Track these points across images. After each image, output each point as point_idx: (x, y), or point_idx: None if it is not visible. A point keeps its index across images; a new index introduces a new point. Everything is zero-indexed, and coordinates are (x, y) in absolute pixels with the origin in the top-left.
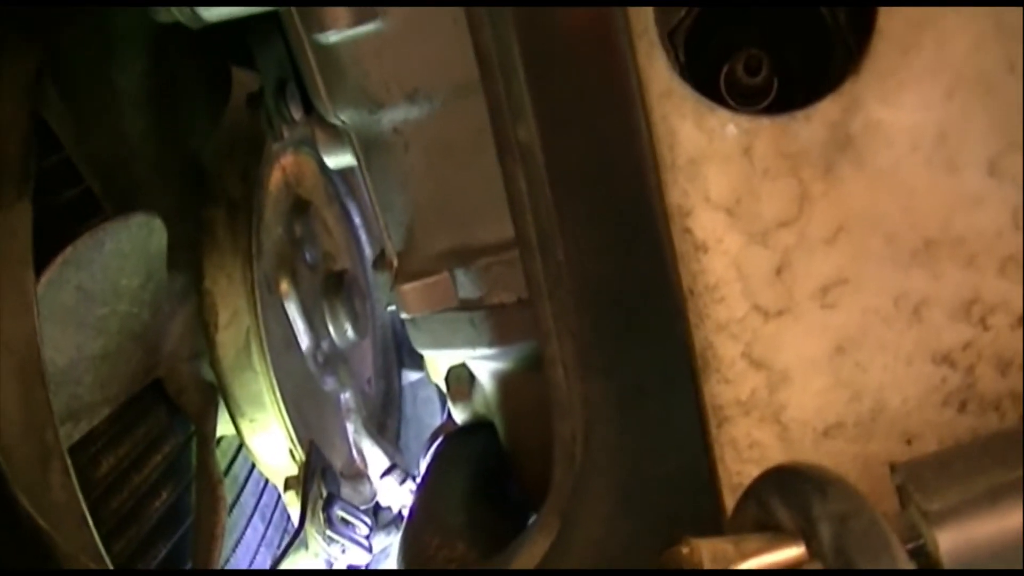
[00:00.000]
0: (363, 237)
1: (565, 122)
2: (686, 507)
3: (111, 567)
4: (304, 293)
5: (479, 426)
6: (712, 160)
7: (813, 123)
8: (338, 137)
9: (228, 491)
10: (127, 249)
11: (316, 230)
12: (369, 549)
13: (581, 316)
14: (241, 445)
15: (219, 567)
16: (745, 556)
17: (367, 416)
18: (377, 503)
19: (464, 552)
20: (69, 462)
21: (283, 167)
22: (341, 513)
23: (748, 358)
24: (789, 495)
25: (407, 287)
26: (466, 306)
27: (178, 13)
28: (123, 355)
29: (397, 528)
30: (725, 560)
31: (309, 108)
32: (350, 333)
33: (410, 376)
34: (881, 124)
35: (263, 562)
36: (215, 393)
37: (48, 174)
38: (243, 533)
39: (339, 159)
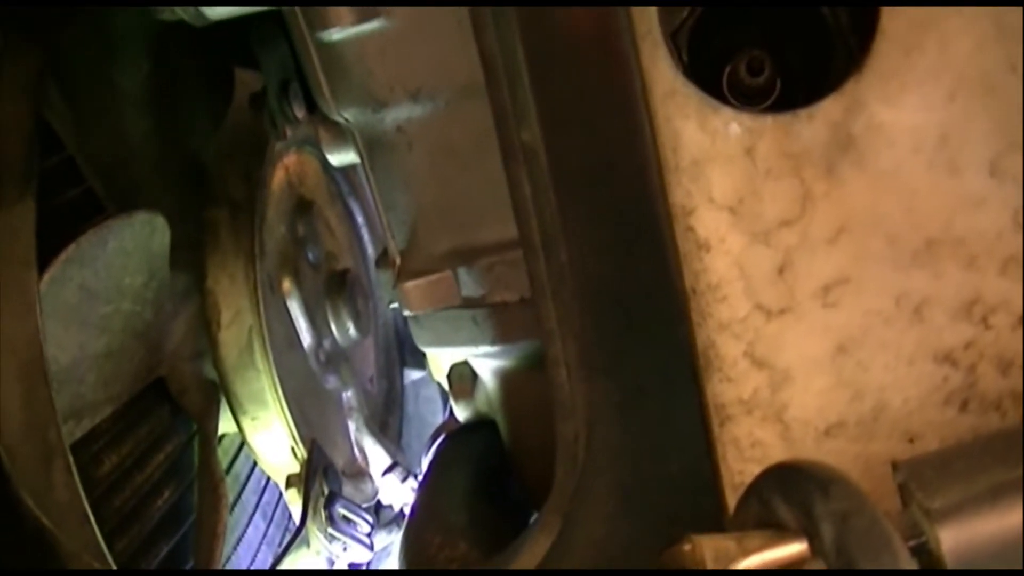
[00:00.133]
0: (365, 236)
1: (569, 123)
2: (688, 506)
3: (114, 566)
4: (306, 292)
5: (481, 425)
6: (715, 160)
7: (815, 123)
8: (341, 135)
9: (230, 489)
10: (130, 247)
11: (319, 229)
12: (371, 547)
13: (584, 316)
14: (243, 443)
15: (221, 566)
16: (747, 553)
17: (369, 414)
18: (379, 501)
19: (466, 551)
20: (72, 460)
21: (286, 166)
22: (343, 511)
23: (750, 357)
24: (791, 493)
25: (410, 285)
26: (469, 304)
27: (182, 12)
28: (126, 354)
29: (399, 526)
30: (727, 557)
31: (312, 107)
32: (352, 332)
33: (412, 375)
34: (883, 125)
35: (265, 560)
36: (217, 392)
37: (50, 174)
38: (245, 531)
39: (342, 157)
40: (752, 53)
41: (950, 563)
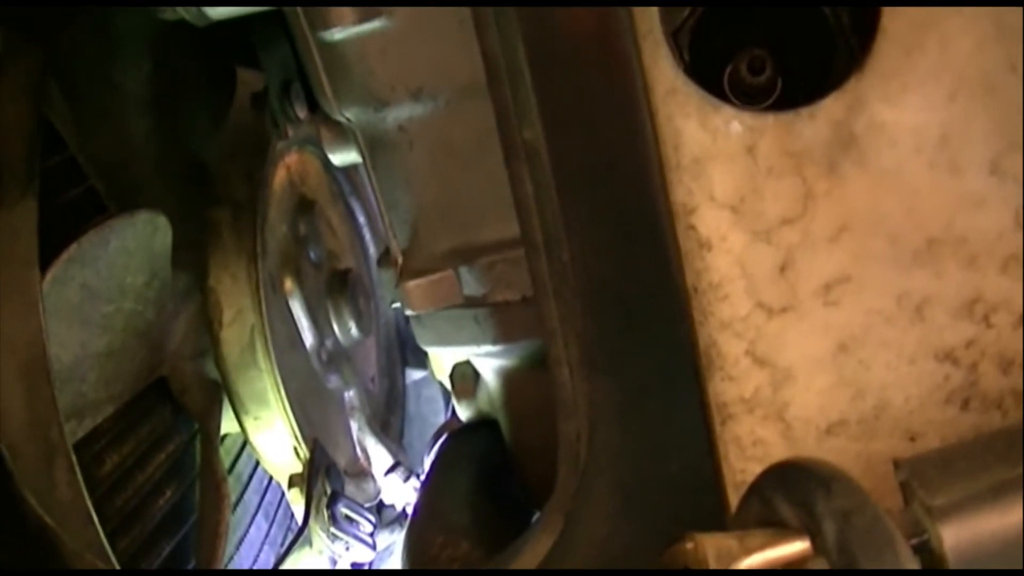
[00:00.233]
0: (367, 235)
1: (570, 122)
2: (690, 505)
3: (116, 565)
4: (308, 291)
5: (483, 424)
6: (716, 159)
7: (817, 121)
8: (343, 135)
9: (232, 489)
10: (132, 247)
11: (320, 229)
12: (373, 547)
13: (586, 315)
14: (245, 443)
15: (223, 565)
16: (749, 552)
17: (371, 414)
18: (381, 501)
19: (468, 550)
20: (74, 459)
21: (287, 166)
22: (345, 511)
23: (752, 356)
24: (793, 491)
25: (412, 284)
26: (470, 303)
27: (183, 11)
28: (128, 353)
29: (401, 526)
30: (729, 556)
31: (313, 107)
32: (354, 331)
33: (414, 374)
34: (885, 124)
35: (266, 560)
36: (219, 391)
37: (52, 173)
38: (247, 531)
39: (344, 157)
40: (753, 52)
41: (952, 561)
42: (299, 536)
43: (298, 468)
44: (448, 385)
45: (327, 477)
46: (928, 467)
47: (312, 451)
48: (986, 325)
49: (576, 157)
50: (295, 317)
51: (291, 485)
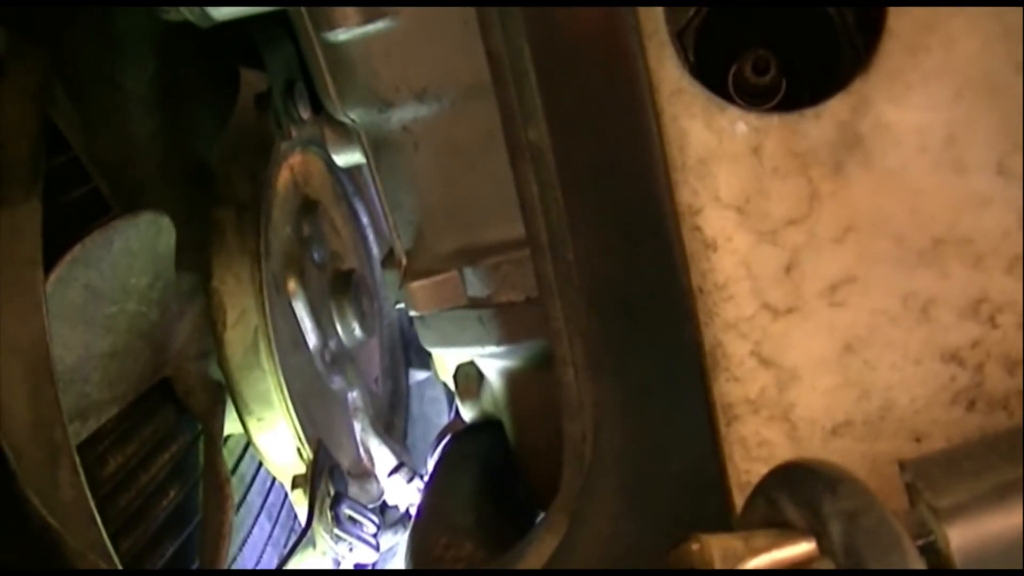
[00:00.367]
0: (370, 236)
1: (575, 122)
2: (695, 506)
3: (119, 566)
4: (312, 292)
5: (487, 425)
6: (722, 159)
7: (823, 122)
8: (347, 136)
9: (235, 490)
10: (135, 247)
11: (324, 229)
12: (376, 548)
13: (591, 316)
14: (248, 444)
15: (226, 566)
16: (755, 552)
17: (374, 415)
18: (384, 502)
19: (472, 551)
20: (78, 460)
21: (291, 167)
22: (348, 512)
23: (757, 356)
24: (799, 492)
25: (416, 285)
26: (475, 304)
27: (187, 12)
28: (131, 354)
29: (404, 527)
30: (735, 557)
31: (317, 107)
32: (357, 332)
33: (417, 375)
34: (890, 124)
35: (269, 561)
36: (223, 392)
37: (56, 174)
38: (250, 532)
39: (348, 157)
40: (758, 52)
41: (959, 562)
42: (302, 537)
43: (301, 469)
44: (452, 386)
45: (330, 478)
46: (934, 468)
47: (315, 452)
48: (991, 325)
49: (581, 157)
50: (298, 318)
51: (294, 486)
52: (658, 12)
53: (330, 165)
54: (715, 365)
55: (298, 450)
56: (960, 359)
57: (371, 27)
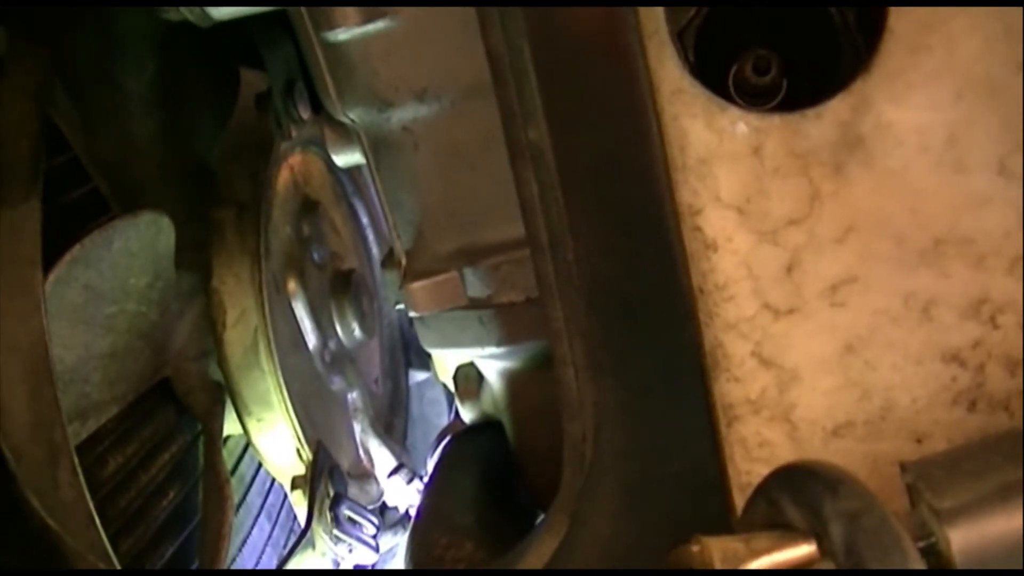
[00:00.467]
0: (370, 236)
1: (575, 122)
2: (695, 507)
3: (118, 566)
4: (312, 292)
5: (487, 425)
6: (722, 159)
7: (823, 122)
8: (347, 136)
9: (235, 491)
10: (135, 248)
11: (324, 230)
12: (376, 549)
13: (591, 316)
14: (248, 444)
15: (225, 567)
16: (756, 554)
17: (374, 416)
18: (384, 503)
19: (472, 552)
20: (77, 461)
21: (291, 167)
22: (348, 512)
23: (758, 357)
24: (800, 493)
25: (416, 285)
26: (475, 304)
27: (187, 12)
28: (131, 354)
29: (404, 528)
30: (736, 559)
31: (317, 107)
32: (357, 333)
33: (417, 376)
34: (891, 124)
35: (269, 562)
36: (222, 392)
37: (56, 173)
38: (249, 533)
39: (348, 158)
40: (758, 52)
41: (960, 563)
42: (302, 538)
43: (301, 470)
44: (452, 387)
45: (330, 479)
46: (935, 469)
47: (315, 453)
48: (992, 326)
49: (581, 157)
50: (298, 318)
51: (294, 487)
52: (658, 12)
53: (330, 165)
54: (715, 365)
55: (298, 451)
56: (961, 360)
57: (371, 27)
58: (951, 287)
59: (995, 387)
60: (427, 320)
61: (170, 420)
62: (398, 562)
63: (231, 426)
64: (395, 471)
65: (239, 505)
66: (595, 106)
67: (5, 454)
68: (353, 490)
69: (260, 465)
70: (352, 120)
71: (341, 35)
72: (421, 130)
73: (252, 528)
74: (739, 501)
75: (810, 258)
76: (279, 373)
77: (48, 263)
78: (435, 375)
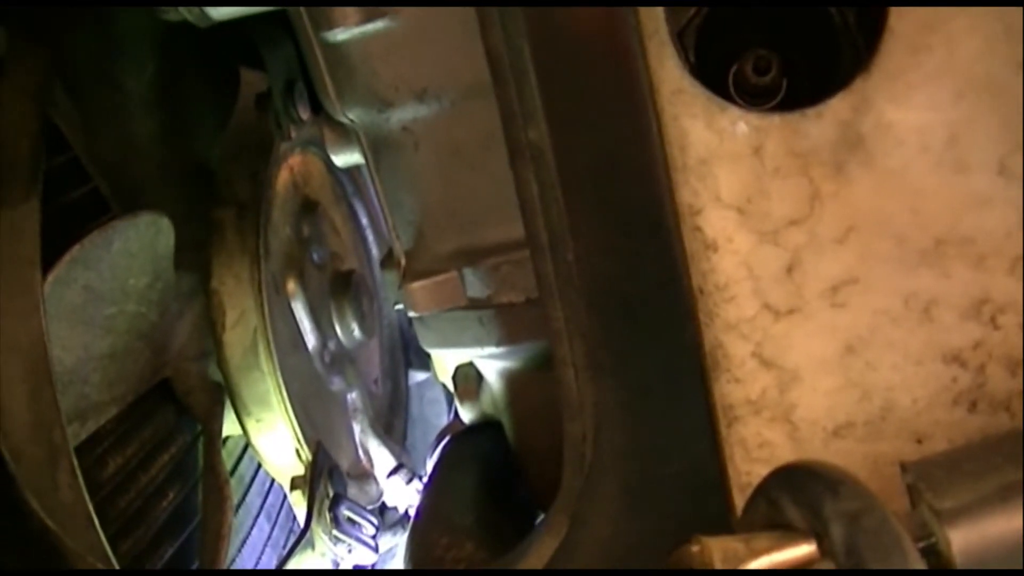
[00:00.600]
0: (370, 237)
1: (575, 122)
2: (695, 507)
3: (118, 567)
4: (311, 293)
5: (486, 426)
6: (723, 159)
7: (824, 121)
8: (346, 136)
9: (234, 491)
10: (135, 248)
11: (324, 230)
12: (375, 549)
13: (591, 316)
14: (247, 445)
15: (225, 567)
16: (756, 554)
17: (374, 416)
18: (383, 503)
19: (472, 552)
20: (76, 462)
21: (291, 167)
22: (347, 513)
23: (758, 357)
24: (800, 494)
25: (416, 285)
26: (474, 305)
27: (186, 12)
28: (131, 355)
29: (403, 528)
30: (736, 559)
31: (317, 108)
32: (357, 333)
33: (417, 376)
34: (892, 124)
35: (268, 562)
36: (222, 393)
37: (56, 173)
38: (249, 533)
39: (347, 158)
40: (758, 52)
41: (960, 563)
42: (301, 538)
43: (300, 470)
44: (451, 387)
45: (329, 479)
46: (935, 470)
47: (314, 453)
48: (993, 326)
49: (581, 157)
50: (298, 319)
51: (293, 487)
52: (658, 12)
53: (330, 165)
54: (716, 366)
55: (297, 451)
56: (962, 360)
57: (370, 27)
58: (952, 287)
59: (996, 388)
60: (427, 320)
61: (169, 421)
62: (398, 562)
63: (230, 426)
64: (394, 471)
65: (239, 505)
66: (595, 106)
67: (4, 455)
68: (352, 490)
69: (259, 465)
70: (352, 120)
71: (340, 35)
72: (421, 130)
73: (251, 528)
74: (739, 501)
75: (811, 258)
76: (279, 374)
77: (48, 263)
78: (435, 375)
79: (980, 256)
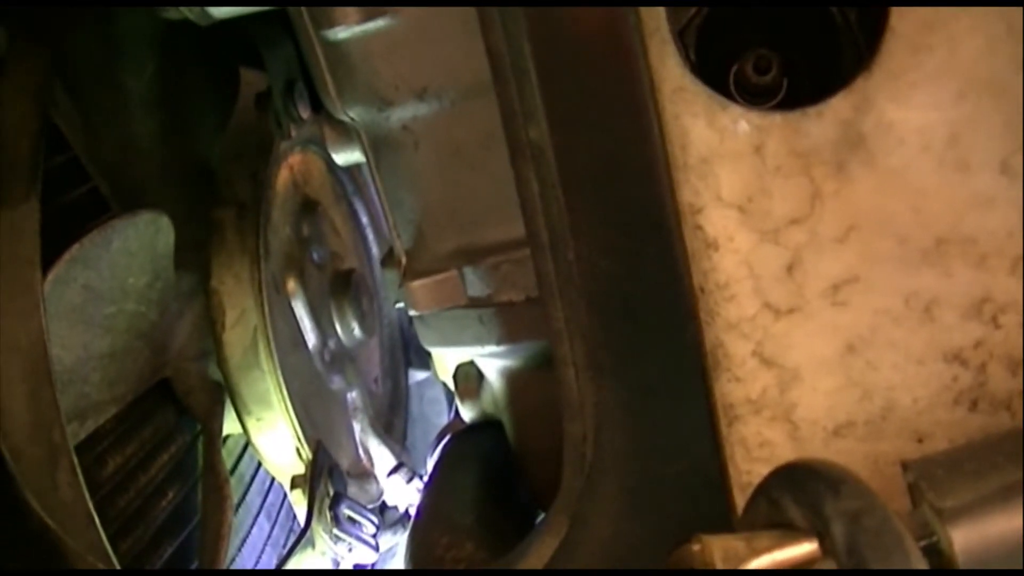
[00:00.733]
0: (370, 236)
1: (577, 121)
2: (696, 506)
3: (118, 567)
4: (311, 292)
5: (487, 425)
6: (724, 158)
7: (825, 120)
8: (347, 135)
9: (234, 490)
10: (134, 247)
11: (324, 229)
12: (376, 548)
13: (592, 316)
14: (247, 444)
15: (225, 567)
16: (757, 553)
17: (374, 415)
18: (384, 502)
19: (472, 551)
20: (76, 461)
21: (291, 166)
22: (348, 512)
23: (759, 357)
24: (801, 493)
25: (416, 284)
26: (475, 304)
27: (187, 11)
28: (130, 354)
29: (404, 527)
30: (737, 558)
31: (317, 107)
32: (357, 332)
33: (417, 375)
34: (893, 123)
35: (269, 561)
36: (222, 392)
37: (56, 173)
38: (249, 532)
39: (348, 156)
40: (759, 51)
41: (962, 562)
42: (301, 537)
43: (300, 469)
44: (451, 386)
45: (330, 478)
46: (937, 469)
47: (315, 452)
48: (994, 326)
49: (582, 156)
50: (298, 318)
51: (293, 486)
52: (659, 11)
53: (330, 165)
54: (716, 365)
55: (297, 450)
56: (963, 359)
57: (371, 25)
58: (953, 287)
59: (997, 387)
60: (427, 319)
61: (169, 420)
62: (398, 561)
63: (230, 426)
64: (395, 470)
65: (238, 505)
66: (596, 105)
67: (4, 455)
68: (353, 489)
69: (259, 465)
70: (352, 119)
71: (341, 34)
72: (421, 129)
73: (252, 527)
74: (740, 501)
75: (811, 257)
76: (279, 373)
77: (48, 263)
78: (435, 374)
79: (981, 256)
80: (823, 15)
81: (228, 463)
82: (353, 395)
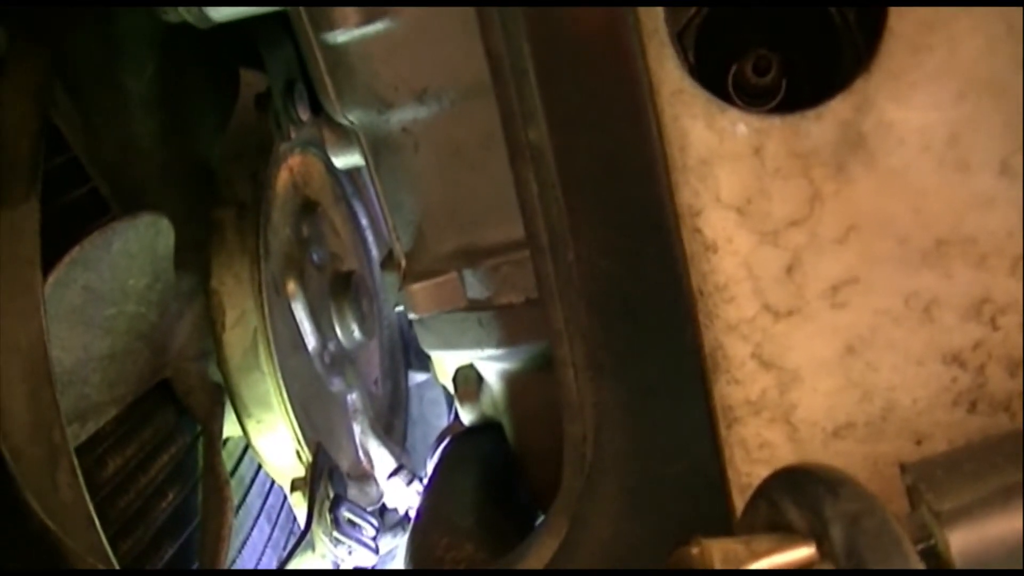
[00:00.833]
0: (370, 238)
1: (576, 123)
2: (695, 508)
3: (118, 567)
4: (311, 294)
5: (487, 427)
6: (723, 160)
7: (824, 122)
8: (346, 137)
9: (234, 492)
10: (134, 249)
11: (323, 231)
12: (376, 550)
13: (591, 317)
14: (247, 446)
15: (225, 568)
16: (756, 556)
17: (374, 417)
18: (384, 504)
19: (472, 553)
20: (76, 462)
21: (290, 168)
22: (348, 514)
23: (758, 358)
24: (800, 495)
25: (416, 287)
26: (474, 306)
27: (186, 13)
28: (130, 355)
29: (404, 529)
30: (736, 560)
31: (317, 108)
32: (357, 334)
33: (417, 377)
34: (893, 123)
35: (269, 563)
36: (222, 394)
37: (56, 174)
38: (249, 534)
39: (347, 159)
40: (758, 53)
41: (960, 565)
42: (302, 539)
43: (301, 471)
44: (451, 388)
45: (330, 480)
46: (936, 471)
47: (315, 454)
48: (993, 327)
49: (581, 158)
50: (298, 320)
51: (294, 488)
52: (658, 12)
53: (329, 166)
54: (716, 367)
55: (297, 452)
56: (962, 361)
57: (370, 28)
58: (953, 288)
59: (996, 388)
60: (427, 322)
61: (169, 421)
62: (398, 564)
63: (231, 428)
64: (395, 472)
65: (239, 507)
66: (595, 106)
67: (5, 455)
68: (353, 492)
69: (260, 467)
70: (351, 121)
71: (340, 36)
72: (421, 131)
73: (252, 530)
74: (739, 503)
75: (811, 259)
76: (279, 374)
77: (48, 264)
78: (435, 376)
79: (981, 256)
80: (822, 16)
81: (228, 465)
82: (353, 397)
